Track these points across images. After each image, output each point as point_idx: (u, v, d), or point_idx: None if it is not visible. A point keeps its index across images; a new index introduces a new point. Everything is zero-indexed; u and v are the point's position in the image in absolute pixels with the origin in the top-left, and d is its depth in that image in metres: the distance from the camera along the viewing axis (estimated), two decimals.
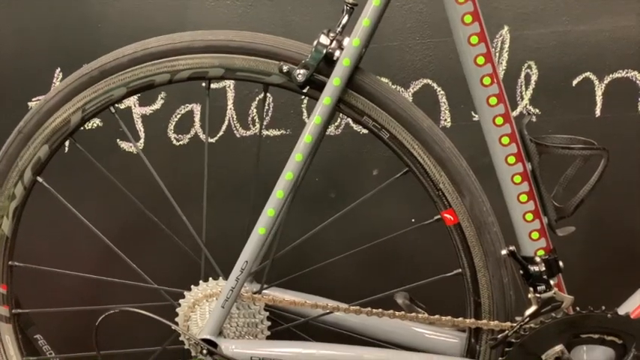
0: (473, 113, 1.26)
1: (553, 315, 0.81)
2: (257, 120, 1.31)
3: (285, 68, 0.82)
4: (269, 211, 0.83)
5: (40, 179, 0.92)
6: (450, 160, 0.84)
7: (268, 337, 0.91)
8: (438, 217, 0.87)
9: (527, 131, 0.82)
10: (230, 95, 1.31)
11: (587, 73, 1.23)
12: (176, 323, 0.91)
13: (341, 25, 0.82)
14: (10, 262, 0.95)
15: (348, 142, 1.31)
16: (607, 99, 1.24)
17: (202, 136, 1.33)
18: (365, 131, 1.31)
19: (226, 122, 1.32)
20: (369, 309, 0.86)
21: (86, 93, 0.87)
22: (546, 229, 0.83)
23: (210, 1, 1.27)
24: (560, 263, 0.83)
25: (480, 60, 0.78)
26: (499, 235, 0.85)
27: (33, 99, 1.33)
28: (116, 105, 0.90)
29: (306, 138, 0.81)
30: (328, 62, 0.81)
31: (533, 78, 1.24)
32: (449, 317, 0.85)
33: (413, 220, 1.30)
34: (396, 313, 0.86)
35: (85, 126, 1.32)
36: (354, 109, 0.84)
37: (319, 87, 0.82)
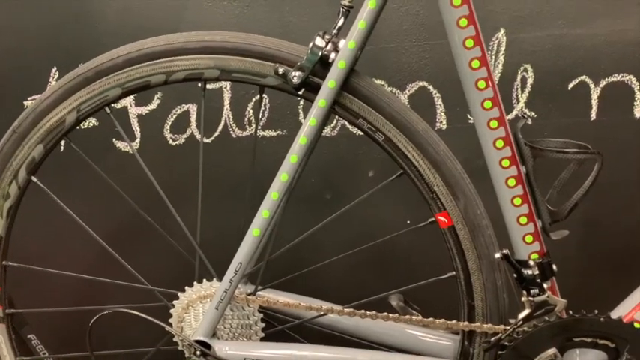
0: (468, 116, 1.27)
1: (546, 318, 0.82)
2: (253, 121, 1.32)
3: (280, 70, 0.82)
4: (264, 213, 0.83)
5: (34, 179, 0.92)
6: (445, 163, 0.84)
7: (262, 339, 0.91)
8: (432, 219, 0.87)
9: (523, 134, 0.82)
10: (226, 96, 1.31)
11: (583, 77, 1.24)
12: (170, 324, 0.91)
13: (337, 28, 0.82)
14: (4, 262, 0.95)
15: (344, 143, 1.31)
16: (602, 102, 1.24)
17: (198, 137, 1.33)
18: (361, 133, 1.31)
19: (222, 123, 1.32)
20: (363, 311, 0.86)
21: (81, 93, 0.87)
22: (540, 233, 0.83)
23: (207, 2, 1.28)
24: (554, 266, 0.83)
25: (475, 63, 0.78)
26: (493, 238, 0.85)
27: (29, 98, 1.33)
28: (112, 105, 0.90)
29: (301, 140, 0.81)
30: (324, 64, 0.81)
31: (529, 81, 1.25)
32: (442, 320, 0.85)
33: (408, 222, 1.30)
34: (390, 315, 0.86)
35: (81, 125, 1.32)
36: (349, 111, 0.84)
37: (314, 89, 0.82)
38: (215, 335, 0.87)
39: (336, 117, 1.30)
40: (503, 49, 1.24)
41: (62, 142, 1.32)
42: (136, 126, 1.33)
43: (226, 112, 1.32)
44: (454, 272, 0.88)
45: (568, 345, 0.81)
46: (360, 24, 0.79)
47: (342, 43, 0.81)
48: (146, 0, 1.28)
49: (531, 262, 0.82)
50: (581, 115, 1.25)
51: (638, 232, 1.27)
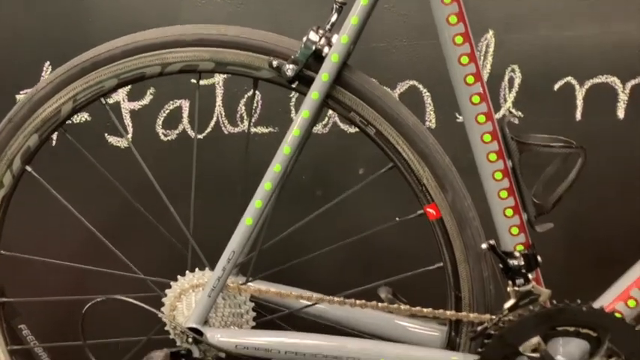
0: (457, 115, 1.29)
1: (531, 308, 0.84)
2: (245, 117, 1.33)
3: (274, 63, 0.84)
4: (256, 203, 0.84)
5: (29, 168, 0.93)
6: (433, 156, 0.86)
7: (252, 329, 0.92)
8: (421, 211, 0.89)
9: (509, 130, 0.84)
10: (219, 92, 1.33)
11: (569, 78, 1.27)
12: (162, 313, 0.92)
13: (330, 23, 0.84)
14: None
15: (335, 140, 1.33)
16: (587, 103, 1.27)
17: (190, 132, 1.34)
18: (352, 130, 1.33)
19: (214, 119, 1.34)
20: (353, 300, 0.88)
21: (78, 83, 0.88)
22: (526, 225, 0.86)
23: None
24: (539, 258, 0.85)
25: (464, 59, 0.81)
26: (480, 230, 0.88)
27: (21, 92, 1.33)
28: (107, 96, 0.91)
29: (295, 131, 0.83)
30: (317, 58, 0.83)
31: (517, 81, 1.28)
32: (430, 309, 0.87)
33: (397, 219, 1.32)
34: (379, 304, 0.88)
35: (73, 120, 1.33)
36: (341, 104, 0.86)
37: (308, 82, 0.84)
38: (207, 323, 0.88)
39: (328, 114, 1.32)
40: (491, 49, 1.27)
41: (54, 135, 1.34)
42: (128, 121, 1.34)
43: (218, 108, 1.33)
44: (442, 263, 0.90)
45: (552, 334, 0.84)
46: (353, 19, 0.81)
47: (335, 38, 0.83)
48: None
49: (517, 254, 0.85)
50: (567, 115, 1.28)
51: (619, 226, 1.30)
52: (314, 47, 0.82)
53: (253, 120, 1.32)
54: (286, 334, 0.87)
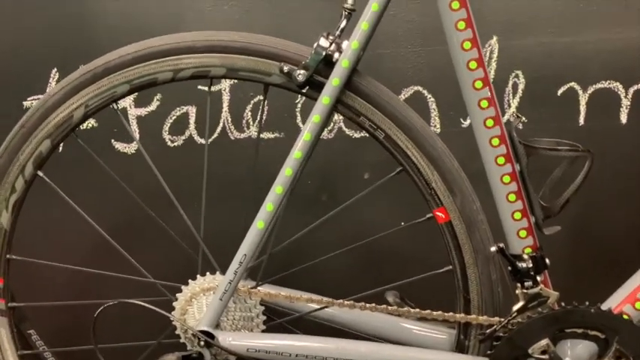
0: (462, 120, 1.30)
1: (539, 310, 0.85)
2: (251, 123, 1.34)
3: (285, 69, 0.85)
4: (268, 206, 0.85)
5: (40, 173, 0.94)
6: (442, 160, 0.87)
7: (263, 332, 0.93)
8: (430, 215, 0.90)
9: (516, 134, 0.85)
10: (225, 98, 1.34)
11: (572, 83, 1.28)
12: (174, 317, 0.92)
13: (340, 29, 0.85)
14: (7, 256, 0.96)
15: (340, 146, 1.34)
16: (590, 108, 1.29)
17: (197, 138, 1.35)
18: (357, 135, 1.34)
19: (221, 124, 1.35)
20: (363, 304, 0.88)
21: (90, 89, 0.89)
22: (533, 228, 0.86)
23: (207, 6, 1.30)
24: (547, 260, 0.86)
25: (473, 64, 0.82)
26: (488, 233, 0.89)
27: (29, 98, 1.34)
28: (118, 102, 0.92)
29: (305, 136, 0.84)
30: (327, 64, 0.84)
31: (520, 87, 1.29)
32: (440, 312, 0.88)
33: (402, 224, 1.33)
34: (389, 307, 0.88)
35: (80, 126, 1.34)
36: (351, 109, 0.87)
37: (318, 87, 0.85)
38: (219, 327, 0.89)
39: (333, 120, 1.33)
40: (495, 55, 1.28)
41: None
42: (135, 127, 1.35)
43: (225, 114, 1.34)
44: (450, 266, 0.90)
45: (560, 336, 0.84)
46: (364, 25, 0.82)
47: (345, 44, 0.84)
48: (147, 2, 1.30)
49: (525, 256, 0.85)
50: (570, 120, 1.29)
51: (624, 229, 1.31)
52: (324, 53, 0.83)
53: (258, 129, 1.33)
54: (297, 338, 0.87)
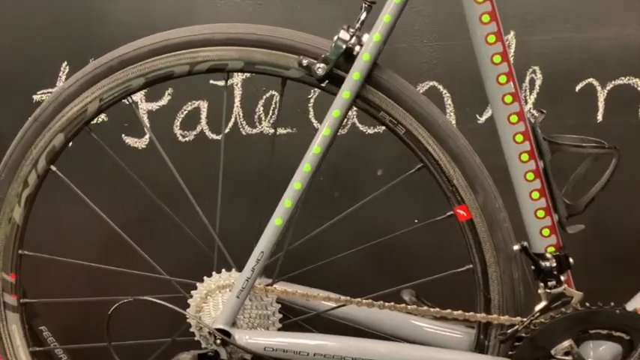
0: (477, 116, 1.29)
1: (563, 310, 0.83)
2: (263, 118, 1.32)
3: (304, 62, 0.83)
4: (286, 202, 0.84)
5: (53, 168, 0.92)
6: (464, 156, 0.85)
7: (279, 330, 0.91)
8: (451, 213, 0.88)
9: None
10: (237, 93, 1.32)
11: (590, 79, 1.26)
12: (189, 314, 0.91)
13: (360, 22, 0.83)
14: (20, 251, 0.95)
15: (353, 142, 1.33)
16: (608, 105, 1.26)
17: (208, 133, 1.34)
18: (370, 131, 1.32)
19: (233, 120, 1.33)
20: (381, 302, 0.87)
21: (104, 82, 0.88)
22: (557, 227, 0.85)
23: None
24: (570, 259, 0.84)
25: (497, 58, 0.80)
26: (510, 232, 0.87)
27: (38, 92, 1.33)
28: (132, 96, 0.90)
29: (325, 131, 0.83)
30: (347, 57, 0.82)
31: (538, 82, 1.27)
32: (460, 311, 0.86)
33: (416, 221, 1.31)
34: (408, 306, 0.87)
35: (90, 124, 1.32)
36: (370, 104, 0.86)
37: (338, 82, 0.83)
38: (235, 325, 0.87)
39: (347, 115, 1.31)
40: (512, 50, 1.26)
41: None
42: (145, 122, 1.33)
43: (237, 109, 1.33)
44: (471, 265, 0.89)
45: (584, 337, 0.83)
46: (386, 18, 0.80)
47: (365, 37, 0.82)
48: None
49: (548, 255, 0.84)
50: (588, 117, 1.27)
51: None
52: (345, 46, 0.82)
53: (272, 121, 1.31)
54: (315, 337, 0.86)
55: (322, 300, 0.89)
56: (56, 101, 0.89)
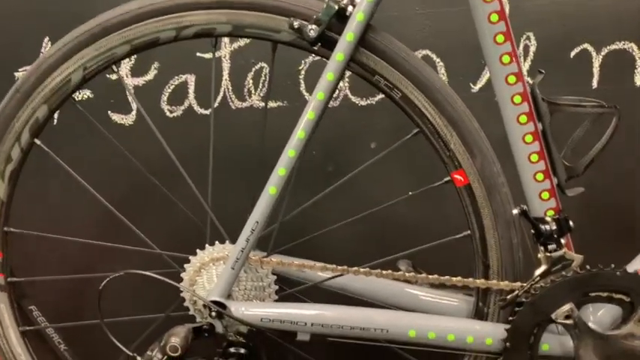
0: (472, 85, 1.26)
1: (563, 274, 0.82)
2: (253, 91, 1.29)
3: (296, 24, 0.81)
4: (280, 170, 0.81)
5: (38, 141, 0.89)
6: (462, 120, 0.83)
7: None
8: (448, 178, 0.86)
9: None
10: (226, 65, 1.29)
11: (585, 45, 1.24)
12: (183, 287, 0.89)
13: None
14: (5, 228, 0.92)
15: (346, 114, 1.30)
16: (604, 71, 1.25)
17: (197, 108, 1.31)
18: (363, 103, 1.30)
19: (222, 94, 1.30)
20: (379, 271, 0.85)
21: (87, 51, 0.85)
22: (556, 190, 0.83)
23: None
24: (570, 222, 0.83)
25: (494, 17, 0.78)
26: (509, 196, 0.85)
27: (20, 69, 1.29)
28: (117, 65, 0.87)
29: (319, 95, 0.80)
30: (340, 18, 0.80)
31: (532, 49, 1.25)
32: (459, 278, 0.85)
33: (410, 193, 1.29)
34: (407, 274, 0.85)
35: (75, 97, 1.29)
36: (365, 67, 0.83)
37: (331, 44, 0.81)
38: (230, 297, 0.85)
39: (339, 86, 1.28)
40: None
41: (55, 115, 1.30)
42: (132, 96, 1.30)
43: (225, 82, 1.30)
44: (469, 231, 0.87)
45: (584, 300, 0.82)
46: None
47: None
48: None
49: (548, 219, 0.82)
50: (583, 84, 1.25)
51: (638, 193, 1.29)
52: (337, 6, 0.79)
53: (262, 94, 1.28)
54: (312, 306, 0.84)
55: (319, 270, 0.87)
56: (38, 71, 0.85)
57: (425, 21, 1.25)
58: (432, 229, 1.27)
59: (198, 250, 0.89)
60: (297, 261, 0.89)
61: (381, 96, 1.27)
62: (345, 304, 0.87)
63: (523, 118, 0.81)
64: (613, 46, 1.24)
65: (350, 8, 0.79)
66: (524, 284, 0.83)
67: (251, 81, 1.29)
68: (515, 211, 0.83)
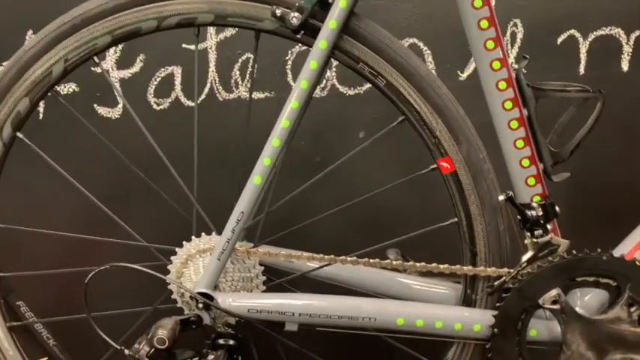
0: (459, 72, 1.26)
1: (550, 259, 0.82)
2: (240, 83, 1.29)
3: (278, 12, 0.80)
4: (265, 160, 0.81)
5: (20, 135, 0.88)
6: (447, 107, 0.83)
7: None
8: (434, 166, 0.86)
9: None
10: (212, 57, 1.28)
11: (572, 31, 1.24)
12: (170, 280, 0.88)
13: None
14: None
15: (334, 104, 1.30)
16: (591, 56, 1.25)
17: (183, 100, 1.30)
18: (351, 92, 1.29)
19: (208, 85, 1.29)
20: (367, 259, 0.85)
21: (68, 42, 0.83)
22: (542, 175, 0.83)
23: None
24: (557, 208, 0.83)
25: (478, 3, 0.78)
26: (495, 183, 0.85)
27: (3, 63, 1.27)
28: (96, 59, 0.86)
29: (302, 84, 0.79)
30: (323, 5, 0.79)
31: (519, 36, 1.24)
32: (446, 265, 0.85)
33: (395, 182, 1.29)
34: (394, 262, 0.85)
35: (60, 91, 1.27)
36: (349, 55, 0.82)
37: (314, 32, 0.80)
38: (217, 288, 0.85)
39: (326, 76, 1.28)
40: (493, 3, 1.22)
41: (41, 110, 1.29)
42: (118, 89, 1.29)
43: (212, 74, 1.29)
44: (456, 219, 0.87)
45: (571, 285, 0.82)
46: None
47: None
48: None
49: (534, 204, 0.82)
50: (570, 70, 1.25)
51: (629, 177, 1.29)
52: None
53: (249, 85, 1.28)
54: (300, 296, 0.84)
55: (306, 260, 0.87)
56: (18, 63, 0.84)
57: (412, 9, 1.25)
58: (420, 218, 1.27)
59: (184, 242, 0.89)
60: (284, 251, 0.88)
61: (368, 85, 1.26)
62: (334, 294, 0.87)
63: (508, 104, 0.80)
64: (600, 32, 1.24)
65: None
66: (512, 270, 0.83)
67: (238, 72, 1.29)
68: (501, 198, 0.83)
